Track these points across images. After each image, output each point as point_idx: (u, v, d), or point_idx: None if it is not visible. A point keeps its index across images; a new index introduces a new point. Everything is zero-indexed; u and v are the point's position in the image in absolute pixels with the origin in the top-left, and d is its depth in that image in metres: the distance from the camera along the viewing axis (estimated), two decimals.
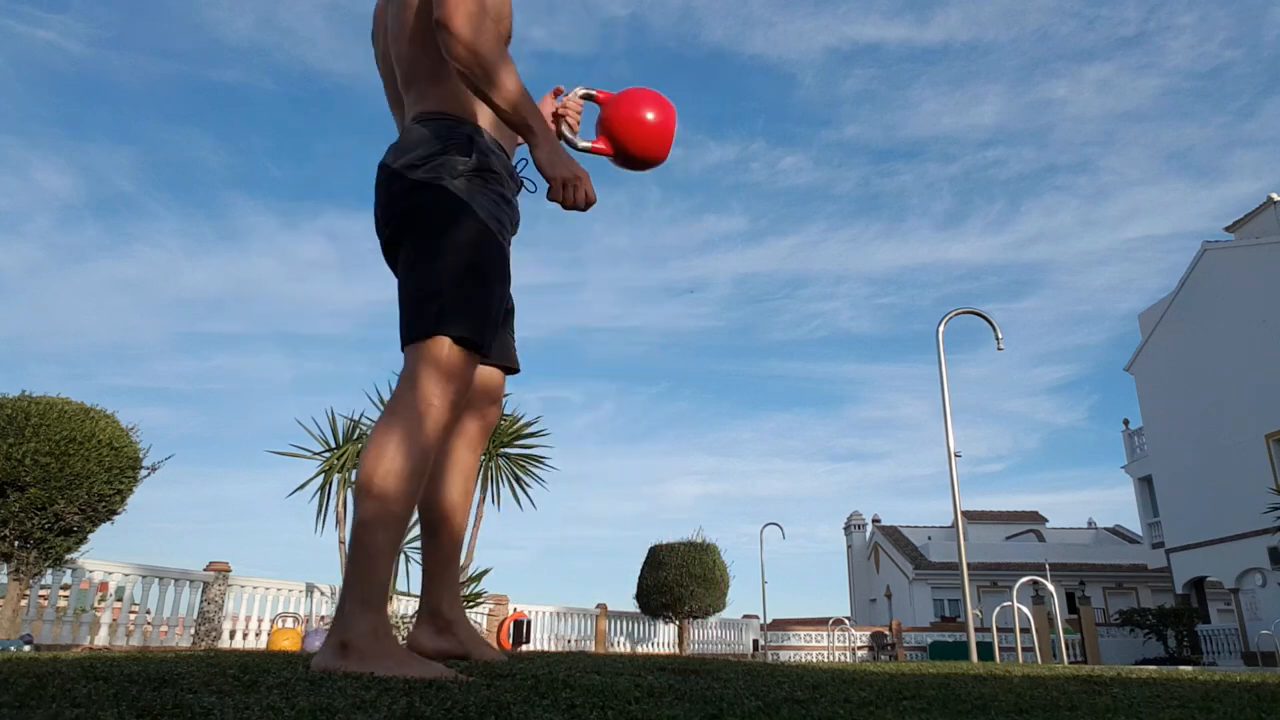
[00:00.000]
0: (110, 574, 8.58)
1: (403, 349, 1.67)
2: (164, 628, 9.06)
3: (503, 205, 1.79)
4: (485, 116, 1.84)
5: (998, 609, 11.65)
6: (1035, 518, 38.75)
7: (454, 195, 1.70)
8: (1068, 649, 19.79)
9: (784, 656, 16.53)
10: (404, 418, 1.56)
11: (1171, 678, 2.15)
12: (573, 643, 13.74)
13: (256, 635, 9.88)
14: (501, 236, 1.76)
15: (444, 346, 1.62)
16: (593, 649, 13.65)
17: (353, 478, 9.01)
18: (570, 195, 1.70)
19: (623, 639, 14.77)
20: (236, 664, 1.62)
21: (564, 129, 2.09)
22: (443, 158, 1.72)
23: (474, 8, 1.66)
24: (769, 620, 19.77)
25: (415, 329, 1.64)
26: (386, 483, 1.52)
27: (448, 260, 1.66)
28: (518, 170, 1.93)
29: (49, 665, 1.45)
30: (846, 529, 38.84)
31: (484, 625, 11.70)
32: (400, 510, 1.54)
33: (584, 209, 1.71)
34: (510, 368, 2.06)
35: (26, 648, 6.30)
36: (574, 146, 2.07)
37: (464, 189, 1.71)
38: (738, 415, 58.73)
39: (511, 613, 12.47)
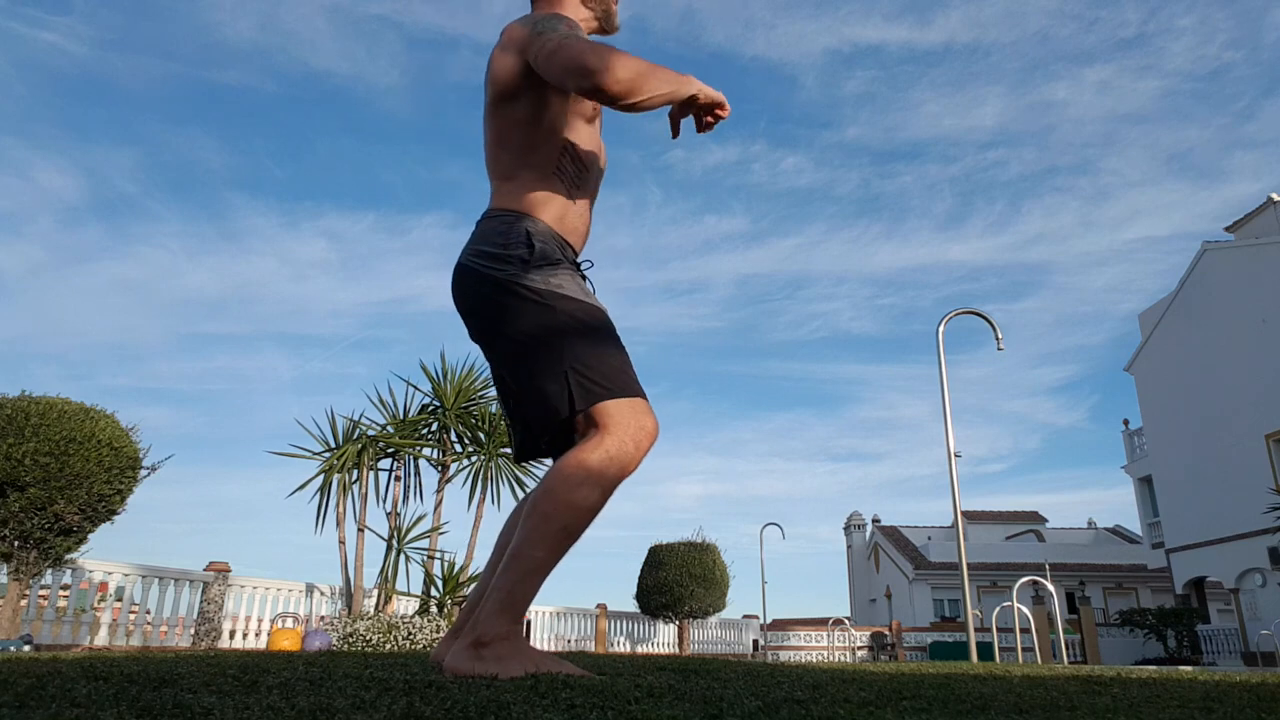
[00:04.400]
0: (110, 574, 8.58)
1: (555, 426, 1.71)
2: (164, 628, 9.06)
3: (575, 278, 1.82)
4: (549, 212, 1.87)
5: (998, 609, 11.65)
6: (1035, 518, 38.75)
7: (528, 286, 1.74)
8: (1068, 649, 19.78)
9: (784, 656, 16.53)
10: (598, 460, 1.62)
11: (1171, 678, 2.15)
12: (573, 643, 13.75)
13: (256, 635, 9.87)
14: (584, 297, 1.79)
15: (635, 404, 1.69)
16: (593, 649, 13.65)
17: (352, 478, 8.96)
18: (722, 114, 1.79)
19: (623, 639, 14.77)
20: (236, 664, 1.62)
21: None
22: (507, 252, 1.77)
23: (602, 49, 1.67)
24: (769, 620, 19.78)
25: (571, 402, 1.67)
26: (571, 508, 1.60)
27: (552, 340, 1.71)
28: (583, 268, 1.95)
29: (49, 665, 1.45)
30: (846, 529, 38.83)
31: None
32: (570, 537, 1.62)
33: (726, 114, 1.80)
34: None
35: (26, 648, 6.30)
36: None
37: (535, 280, 1.75)
38: (738, 415, 58.78)
39: None
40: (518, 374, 1.75)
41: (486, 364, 2.28)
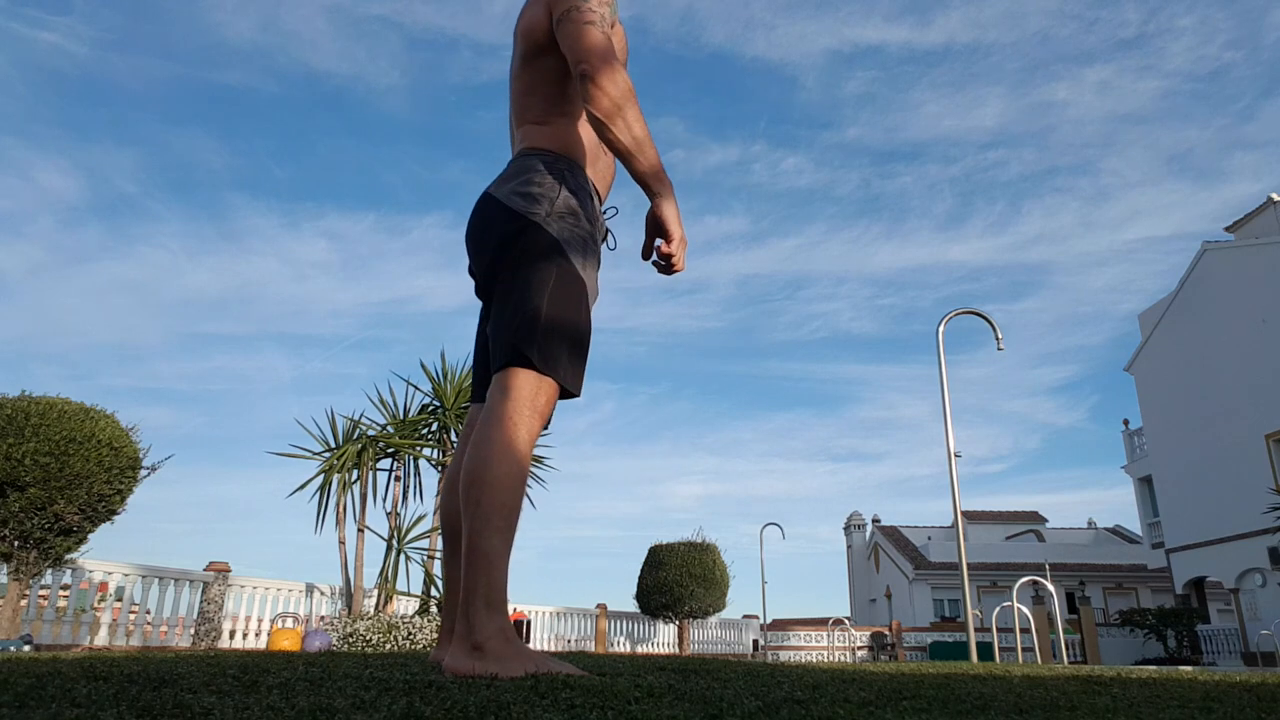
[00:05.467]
0: (110, 574, 8.58)
1: (499, 369, 1.71)
2: (164, 628, 9.06)
3: (590, 246, 1.83)
4: (582, 154, 1.90)
5: (998, 609, 11.65)
6: (1035, 518, 38.75)
7: (548, 234, 1.75)
8: (1068, 649, 19.78)
9: (784, 656, 16.52)
10: (504, 430, 1.62)
11: (1171, 678, 2.15)
12: (573, 643, 13.75)
13: (256, 635, 9.88)
14: (585, 277, 1.80)
15: (545, 383, 1.68)
16: (593, 649, 13.65)
17: (352, 477, 8.97)
18: (681, 255, 1.80)
19: (623, 639, 14.77)
20: (236, 664, 1.62)
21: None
22: (540, 191, 1.78)
23: (615, 59, 1.73)
24: (769, 620, 19.77)
25: (517, 358, 1.68)
26: (496, 487, 1.58)
27: (542, 297, 1.71)
28: (605, 216, 1.98)
29: (49, 665, 1.45)
30: (846, 529, 38.83)
31: None
32: (511, 513, 1.61)
33: (679, 271, 1.82)
34: None
35: (26, 648, 6.30)
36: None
37: (556, 229, 1.76)
38: (738, 416, 58.77)
39: (511, 613, 12.47)
40: (514, 303, 1.73)
41: None
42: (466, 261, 1.94)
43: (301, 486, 9.24)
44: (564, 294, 1.72)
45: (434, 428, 10.12)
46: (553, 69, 1.86)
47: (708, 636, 16.20)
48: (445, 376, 10.00)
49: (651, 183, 1.77)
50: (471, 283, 1.96)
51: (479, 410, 1.89)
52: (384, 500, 9.57)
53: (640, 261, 1.90)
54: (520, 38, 1.90)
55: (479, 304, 1.96)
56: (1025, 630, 15.72)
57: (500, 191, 1.82)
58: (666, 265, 1.81)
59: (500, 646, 1.51)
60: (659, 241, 1.82)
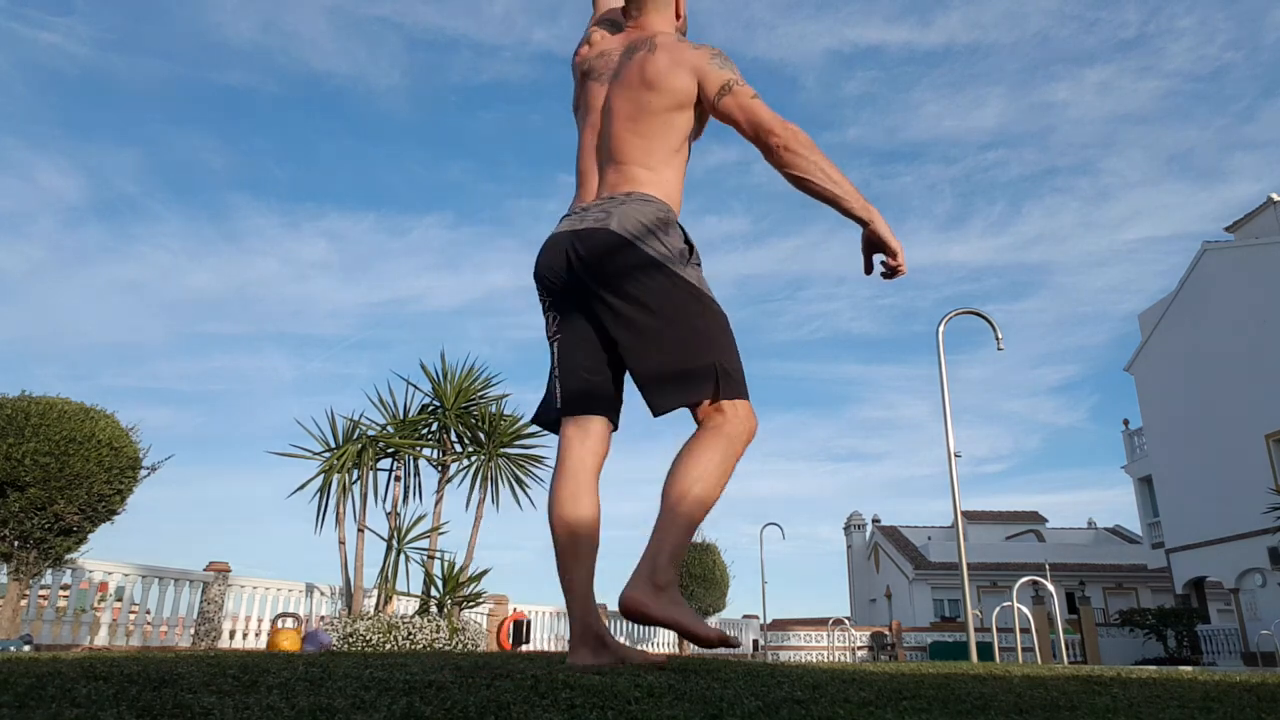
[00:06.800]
0: (110, 574, 8.57)
1: (693, 404, 1.93)
2: (164, 628, 9.06)
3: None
4: (679, 211, 2.12)
5: (998, 609, 11.65)
6: (1035, 518, 38.74)
7: (689, 281, 1.98)
8: (1068, 649, 19.78)
9: (784, 656, 16.51)
10: (720, 449, 1.89)
11: (1171, 678, 2.15)
12: None
13: (256, 635, 9.87)
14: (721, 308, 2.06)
15: (740, 404, 1.95)
16: None
17: (352, 478, 8.97)
18: (904, 259, 2.05)
19: (622, 639, 14.77)
20: (236, 664, 1.62)
21: None
22: (673, 242, 1.99)
23: (791, 124, 1.99)
24: (769, 620, 19.76)
25: (691, 395, 1.92)
26: (718, 484, 1.88)
27: (707, 335, 1.96)
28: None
29: (49, 665, 1.45)
30: (846, 529, 38.82)
31: (484, 625, 11.70)
32: (708, 507, 1.89)
33: (904, 275, 2.09)
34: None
35: (26, 648, 6.30)
36: None
37: (693, 276, 2.00)
38: None
39: (511, 613, 12.46)
40: (644, 342, 1.93)
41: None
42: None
43: (301, 486, 9.23)
44: (720, 326, 1.99)
45: (434, 428, 10.11)
46: (678, 126, 2.08)
47: None
48: (445, 376, 9.99)
49: (862, 214, 2.00)
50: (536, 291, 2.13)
51: (572, 423, 2.03)
52: (384, 500, 9.57)
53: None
54: (655, 89, 2.06)
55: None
56: (1025, 630, 15.72)
57: (634, 230, 1.97)
58: (893, 273, 2.07)
59: (675, 593, 1.78)
60: (879, 257, 2.07)
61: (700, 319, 1.95)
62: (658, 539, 1.81)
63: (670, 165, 2.08)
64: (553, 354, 2.08)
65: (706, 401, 1.91)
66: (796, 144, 1.95)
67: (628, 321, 1.95)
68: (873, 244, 2.04)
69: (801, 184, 1.98)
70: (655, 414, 1.97)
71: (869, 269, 2.10)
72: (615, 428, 2.08)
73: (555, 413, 2.05)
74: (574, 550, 1.94)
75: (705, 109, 2.07)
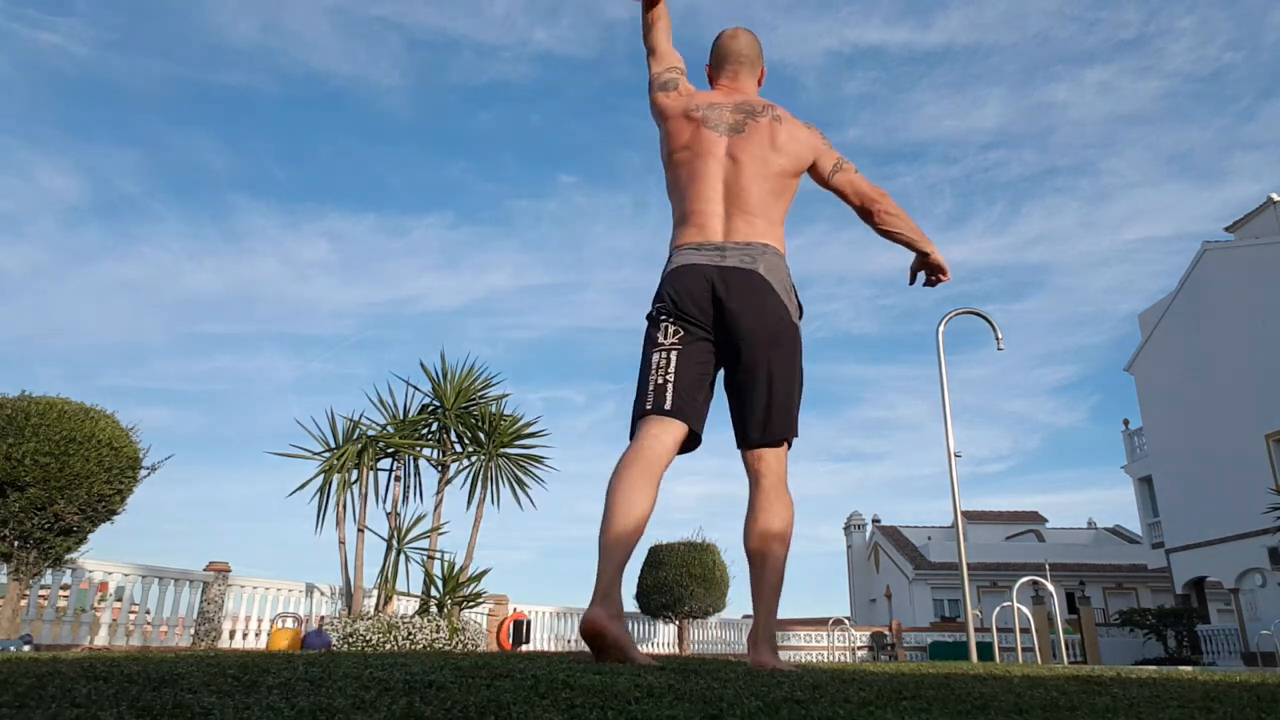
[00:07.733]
0: (110, 574, 8.57)
1: (775, 443, 2.27)
2: (164, 628, 9.05)
3: None
4: None
5: (998, 609, 11.65)
6: (1035, 518, 38.74)
7: (799, 338, 2.35)
8: (1068, 649, 19.78)
9: (783, 656, 16.48)
10: (788, 498, 2.29)
11: (1171, 678, 2.15)
12: (573, 643, 13.73)
13: (256, 635, 9.87)
14: None
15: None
16: None
17: (352, 477, 8.98)
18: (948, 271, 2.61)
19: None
20: (236, 664, 1.62)
21: None
22: (796, 300, 2.37)
23: (877, 187, 2.53)
24: None
25: (790, 430, 2.30)
26: (787, 536, 2.23)
27: (800, 383, 2.34)
28: None
29: (49, 665, 1.45)
30: (846, 529, 38.81)
31: (484, 625, 11.70)
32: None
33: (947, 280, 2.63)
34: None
35: (26, 648, 6.30)
36: None
37: (800, 335, 2.38)
38: None
39: (511, 613, 12.46)
40: (769, 380, 2.24)
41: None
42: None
43: (301, 486, 9.23)
44: (802, 380, 2.36)
45: (434, 428, 10.11)
46: (792, 189, 2.46)
47: (707, 637, 16.20)
48: (445, 376, 9.99)
49: (927, 248, 2.54)
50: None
51: (664, 423, 2.21)
52: (384, 500, 9.57)
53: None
54: (781, 154, 2.38)
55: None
56: (1025, 630, 15.72)
57: (775, 282, 2.28)
58: (936, 281, 2.61)
59: (778, 652, 2.19)
60: (921, 274, 2.64)
61: (801, 371, 2.32)
62: (766, 610, 2.17)
63: (782, 224, 2.40)
64: (662, 360, 2.24)
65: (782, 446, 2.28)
66: (891, 205, 2.47)
67: (762, 360, 2.22)
68: (925, 265, 2.55)
69: (892, 236, 2.49)
70: (755, 445, 2.25)
71: (913, 281, 2.63)
72: (691, 448, 2.28)
73: (651, 410, 2.20)
74: (624, 525, 2.06)
75: (816, 180, 2.49)
